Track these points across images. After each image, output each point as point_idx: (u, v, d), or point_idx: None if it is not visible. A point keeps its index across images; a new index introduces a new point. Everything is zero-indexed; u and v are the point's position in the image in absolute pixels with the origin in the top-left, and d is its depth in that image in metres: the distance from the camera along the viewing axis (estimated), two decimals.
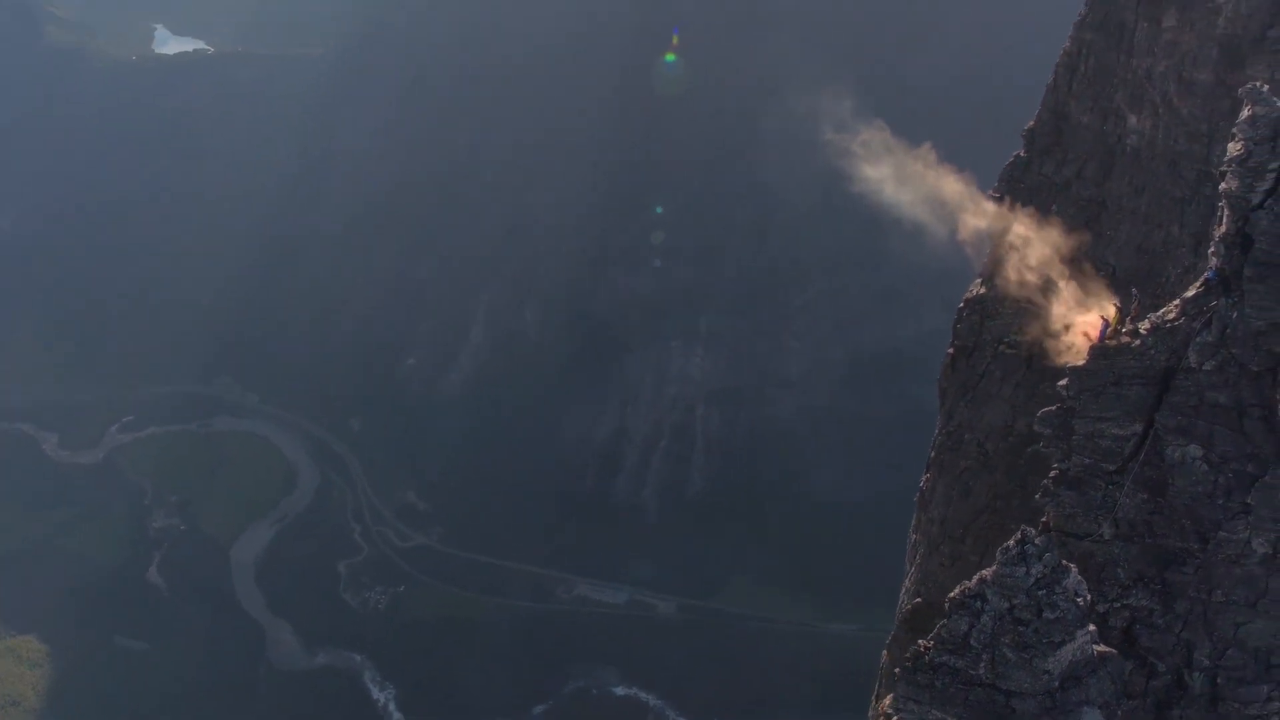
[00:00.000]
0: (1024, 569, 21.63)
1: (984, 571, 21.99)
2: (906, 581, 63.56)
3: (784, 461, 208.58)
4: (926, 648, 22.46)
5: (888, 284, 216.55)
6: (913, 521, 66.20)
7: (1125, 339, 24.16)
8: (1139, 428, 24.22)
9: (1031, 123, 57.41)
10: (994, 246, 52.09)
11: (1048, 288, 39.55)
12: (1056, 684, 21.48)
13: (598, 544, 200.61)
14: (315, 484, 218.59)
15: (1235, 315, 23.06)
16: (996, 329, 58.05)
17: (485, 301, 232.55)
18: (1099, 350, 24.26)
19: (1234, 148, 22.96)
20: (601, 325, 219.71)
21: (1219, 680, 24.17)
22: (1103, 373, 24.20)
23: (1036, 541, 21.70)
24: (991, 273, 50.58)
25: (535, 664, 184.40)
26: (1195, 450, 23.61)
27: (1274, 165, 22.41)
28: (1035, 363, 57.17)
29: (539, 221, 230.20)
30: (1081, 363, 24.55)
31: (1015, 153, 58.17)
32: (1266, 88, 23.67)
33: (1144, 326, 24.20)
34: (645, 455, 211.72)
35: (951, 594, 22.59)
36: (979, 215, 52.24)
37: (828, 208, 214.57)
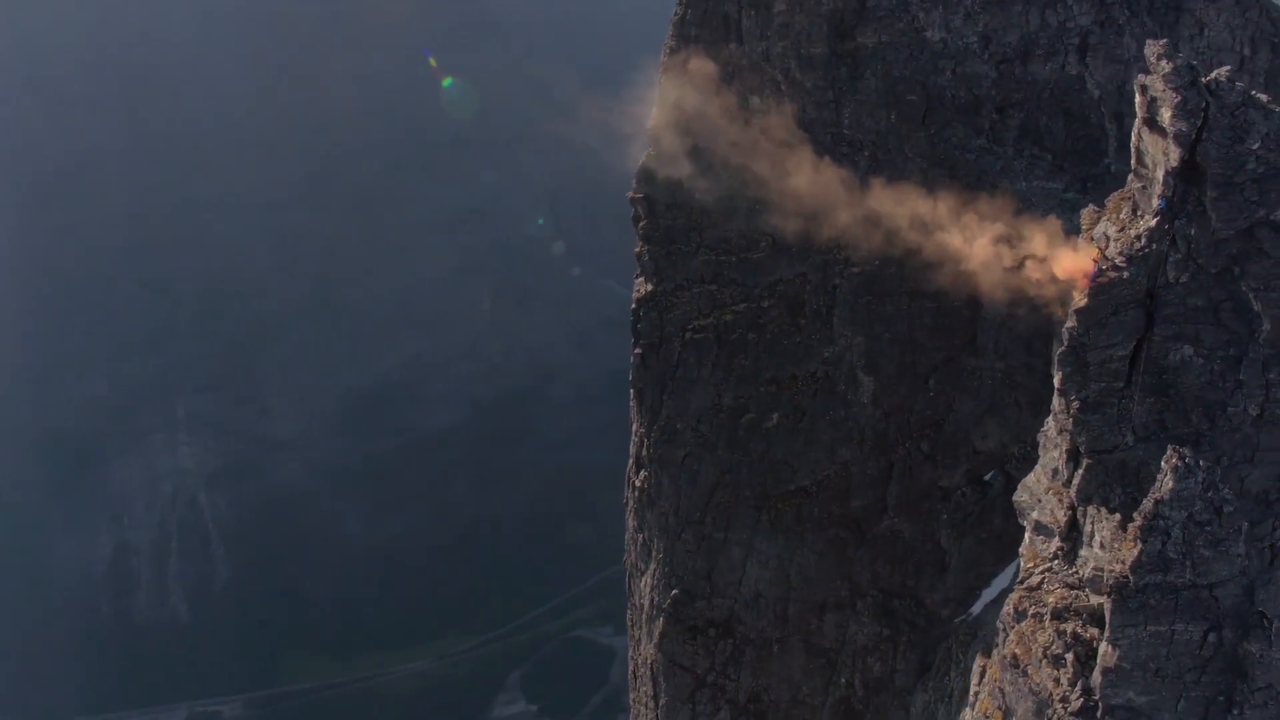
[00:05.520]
0: (1192, 479, 25.07)
1: (1154, 495, 25.08)
2: (649, 579, 65.79)
3: (304, 522, 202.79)
4: (1125, 577, 25.31)
5: (352, 322, 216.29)
6: (631, 524, 68.58)
7: (1113, 274, 28.19)
8: (1133, 345, 28.50)
9: (653, 121, 61.10)
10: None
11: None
12: (1248, 561, 25.34)
13: (136, 670, 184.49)
14: None
15: (1193, 231, 27.81)
16: (678, 319, 61.73)
17: None
18: (1098, 288, 28.12)
19: (1171, 96, 27.49)
20: (67, 441, 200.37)
21: None
22: (1103, 306, 28.14)
23: (1187, 455, 25.18)
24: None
25: None
26: (1188, 350, 28.22)
27: (1203, 104, 27.27)
28: (725, 339, 61.63)
29: None
30: (1082, 303, 28.32)
31: (647, 151, 61.74)
32: (1165, 41, 28.45)
33: (1119, 259, 28.35)
34: (159, 562, 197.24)
35: (1134, 524, 25.52)
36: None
37: (276, 266, 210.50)
